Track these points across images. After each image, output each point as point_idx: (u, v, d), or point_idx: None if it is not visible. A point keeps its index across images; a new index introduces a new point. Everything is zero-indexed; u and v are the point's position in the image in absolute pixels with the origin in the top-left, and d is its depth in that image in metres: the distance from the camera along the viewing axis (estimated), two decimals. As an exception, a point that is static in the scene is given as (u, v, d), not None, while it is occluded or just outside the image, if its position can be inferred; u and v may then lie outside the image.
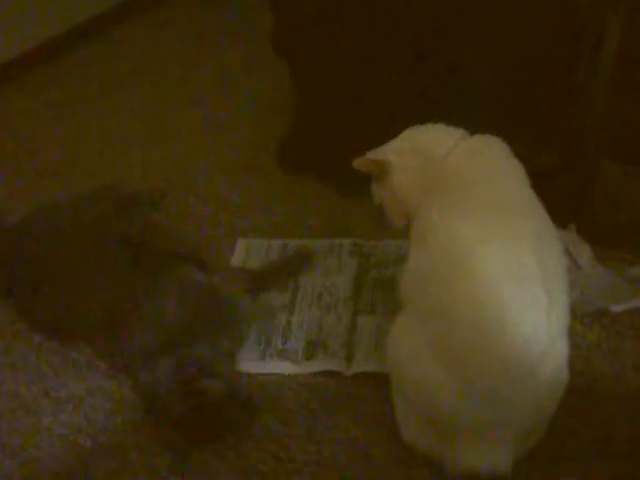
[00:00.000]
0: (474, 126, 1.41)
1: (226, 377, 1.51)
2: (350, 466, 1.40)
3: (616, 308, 1.67)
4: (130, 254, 1.68)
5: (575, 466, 1.36)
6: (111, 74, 2.96)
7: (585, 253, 1.76)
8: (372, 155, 1.44)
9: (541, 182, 1.33)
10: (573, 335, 1.30)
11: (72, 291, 1.66)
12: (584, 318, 1.65)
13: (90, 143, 2.52)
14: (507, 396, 1.20)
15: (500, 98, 1.83)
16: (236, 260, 1.91)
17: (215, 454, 1.44)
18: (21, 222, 1.85)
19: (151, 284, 1.60)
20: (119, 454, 1.46)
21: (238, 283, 1.71)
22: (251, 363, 1.62)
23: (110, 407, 1.56)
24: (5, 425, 1.54)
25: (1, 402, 1.59)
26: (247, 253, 1.93)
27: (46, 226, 1.80)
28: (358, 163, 1.42)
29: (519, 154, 1.36)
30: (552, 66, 1.79)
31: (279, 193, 2.16)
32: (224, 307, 1.62)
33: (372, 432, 1.45)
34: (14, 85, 2.87)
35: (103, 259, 1.67)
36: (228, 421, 1.47)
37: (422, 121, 1.46)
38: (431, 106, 1.80)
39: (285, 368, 1.61)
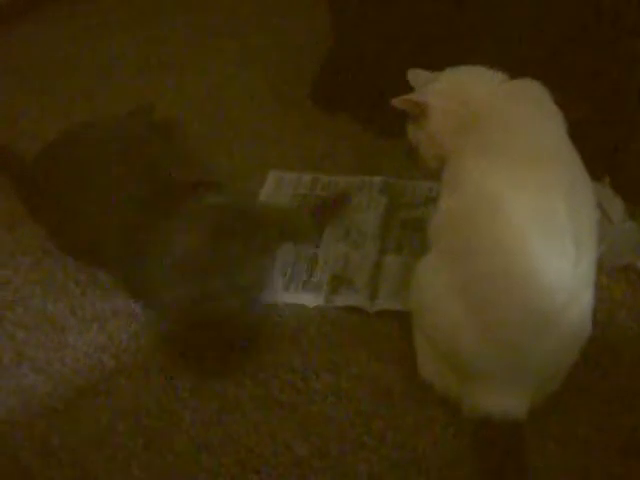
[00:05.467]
0: (514, 69, 1.39)
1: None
2: (367, 400, 1.42)
3: (643, 265, 1.66)
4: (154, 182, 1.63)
5: (592, 418, 1.37)
6: (145, 3, 2.93)
7: (617, 207, 1.73)
8: (411, 95, 1.42)
9: (579, 131, 1.31)
10: (599, 288, 1.30)
11: (92, 215, 1.63)
12: (611, 272, 1.63)
13: (124, 68, 2.51)
14: (527, 343, 1.20)
15: (543, 42, 1.79)
16: (265, 192, 1.91)
17: (234, 382, 1.46)
18: (52, 143, 1.86)
19: (169, 213, 1.53)
20: (142, 374, 1.49)
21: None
22: (275, 293, 1.62)
23: (134, 329, 1.58)
24: (32, 340, 1.57)
25: (28, 317, 1.62)
26: (277, 186, 1.93)
27: (75, 148, 1.78)
28: (397, 101, 1.41)
29: (559, 100, 1.34)
30: (599, 8, 1.74)
31: (311, 128, 2.15)
32: (252, 226, 1.52)
33: (392, 369, 1.46)
34: (52, 9, 2.87)
35: (126, 184, 1.62)
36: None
37: (460, 63, 1.44)
38: (471, 48, 1.77)
39: (309, 300, 1.62)
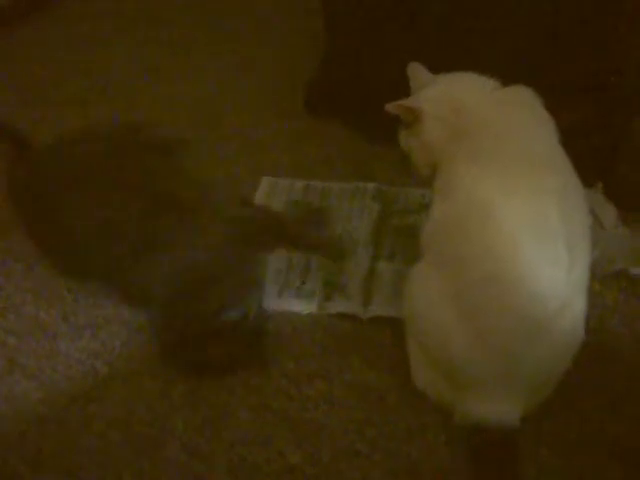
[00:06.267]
0: (507, 76, 1.39)
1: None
2: (361, 407, 1.42)
3: (635, 271, 1.66)
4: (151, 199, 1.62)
5: (584, 424, 1.37)
6: (143, 8, 2.94)
7: (610, 213, 1.74)
8: (405, 101, 1.42)
9: (571, 138, 1.31)
10: (591, 295, 1.29)
11: (82, 231, 1.61)
12: (603, 278, 1.63)
13: (117, 75, 2.52)
14: (519, 350, 1.20)
15: (536, 47, 1.79)
16: (258, 198, 1.91)
17: (226, 389, 1.46)
18: (45, 150, 1.84)
19: (171, 226, 1.56)
20: (134, 381, 1.48)
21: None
22: (268, 300, 1.62)
23: (127, 335, 1.58)
24: (24, 347, 1.57)
25: (20, 324, 1.62)
26: (270, 192, 1.93)
27: (66, 159, 1.77)
28: (391, 107, 1.40)
29: (551, 108, 1.34)
30: (591, 13, 1.74)
31: (304, 134, 2.15)
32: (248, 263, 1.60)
33: (384, 376, 1.46)
34: (47, 14, 2.87)
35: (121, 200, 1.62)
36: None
37: (455, 69, 1.44)
38: (466, 53, 1.77)
39: (302, 307, 1.62)
